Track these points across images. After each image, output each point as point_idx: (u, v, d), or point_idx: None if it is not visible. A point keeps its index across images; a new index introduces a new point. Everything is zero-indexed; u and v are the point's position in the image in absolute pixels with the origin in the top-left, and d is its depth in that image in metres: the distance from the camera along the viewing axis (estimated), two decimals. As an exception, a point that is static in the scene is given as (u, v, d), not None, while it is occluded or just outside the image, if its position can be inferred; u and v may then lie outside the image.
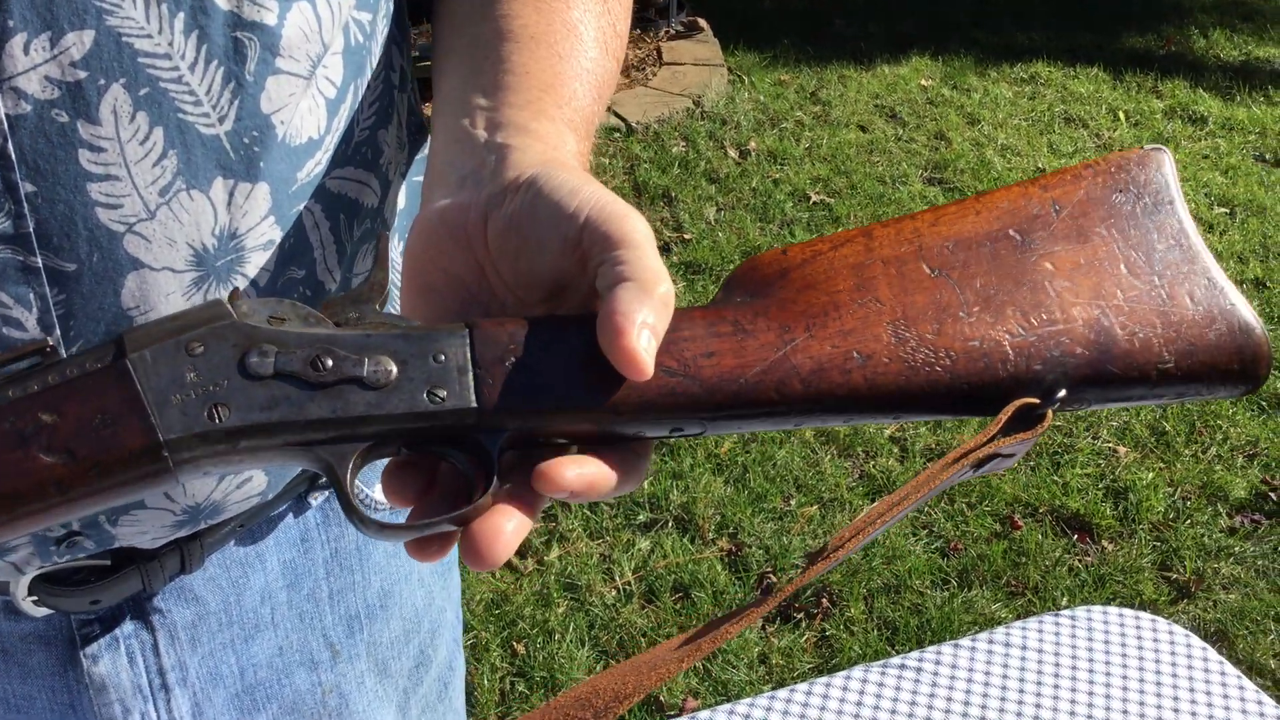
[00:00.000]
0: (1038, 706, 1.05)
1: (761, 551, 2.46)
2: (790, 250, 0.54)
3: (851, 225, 3.63)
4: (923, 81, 4.61)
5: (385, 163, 0.70)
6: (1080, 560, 2.48)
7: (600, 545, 2.49)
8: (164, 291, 0.57)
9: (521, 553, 2.46)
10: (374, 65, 0.66)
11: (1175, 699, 1.06)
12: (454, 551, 0.97)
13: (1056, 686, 1.07)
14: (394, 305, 0.71)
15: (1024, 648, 1.11)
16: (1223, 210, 3.78)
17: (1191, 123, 4.37)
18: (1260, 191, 3.88)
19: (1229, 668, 1.09)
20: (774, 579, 2.41)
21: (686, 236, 3.57)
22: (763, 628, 2.31)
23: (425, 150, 0.76)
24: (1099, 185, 0.55)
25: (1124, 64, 4.80)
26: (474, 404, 0.45)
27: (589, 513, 2.55)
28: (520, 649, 2.23)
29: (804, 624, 2.32)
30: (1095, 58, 4.84)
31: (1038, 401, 0.51)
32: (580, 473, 0.46)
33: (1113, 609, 1.16)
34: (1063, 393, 0.51)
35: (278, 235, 0.61)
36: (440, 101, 0.61)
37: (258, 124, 0.57)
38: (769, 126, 4.26)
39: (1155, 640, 1.12)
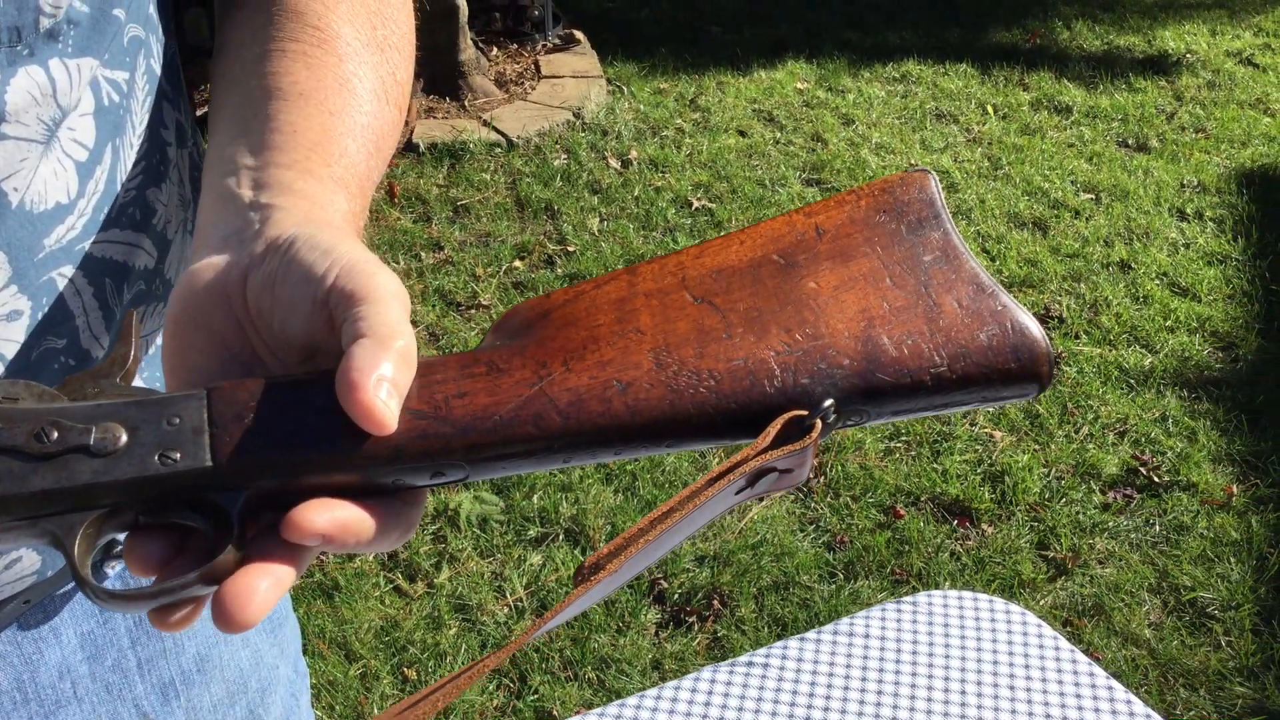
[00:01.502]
0: (879, 694, 1.08)
1: (652, 558, 2.48)
2: (553, 294, 0.55)
3: (733, 229, 3.67)
4: (798, 85, 4.69)
5: (161, 222, 0.68)
6: (961, 545, 2.54)
7: (491, 563, 2.48)
8: None
9: (411, 576, 2.44)
10: (138, 123, 0.64)
11: (1011, 675, 1.09)
12: (286, 605, 0.95)
13: (898, 673, 1.10)
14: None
15: (866, 636, 1.13)
16: (1088, 196, 3.91)
17: (1057, 112, 4.51)
18: (1124, 176, 4.02)
19: (1063, 643, 1.13)
20: (665, 585, 2.42)
21: (570, 249, 3.58)
22: (655, 633, 2.32)
23: None
24: (862, 208, 0.56)
25: (991, 59, 4.93)
26: (209, 463, 0.45)
27: (479, 531, 2.55)
28: (412, 675, 2.22)
29: (696, 627, 2.33)
30: (964, 54, 4.97)
31: (806, 413, 0.51)
32: (332, 516, 0.45)
33: (953, 592, 1.19)
34: (829, 402, 0.51)
35: (24, 305, 0.59)
36: (209, 160, 0.60)
37: None
38: (649, 135, 4.29)
39: (993, 621, 1.15)
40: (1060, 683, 1.08)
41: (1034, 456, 2.77)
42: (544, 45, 4.83)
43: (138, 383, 0.50)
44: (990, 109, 4.50)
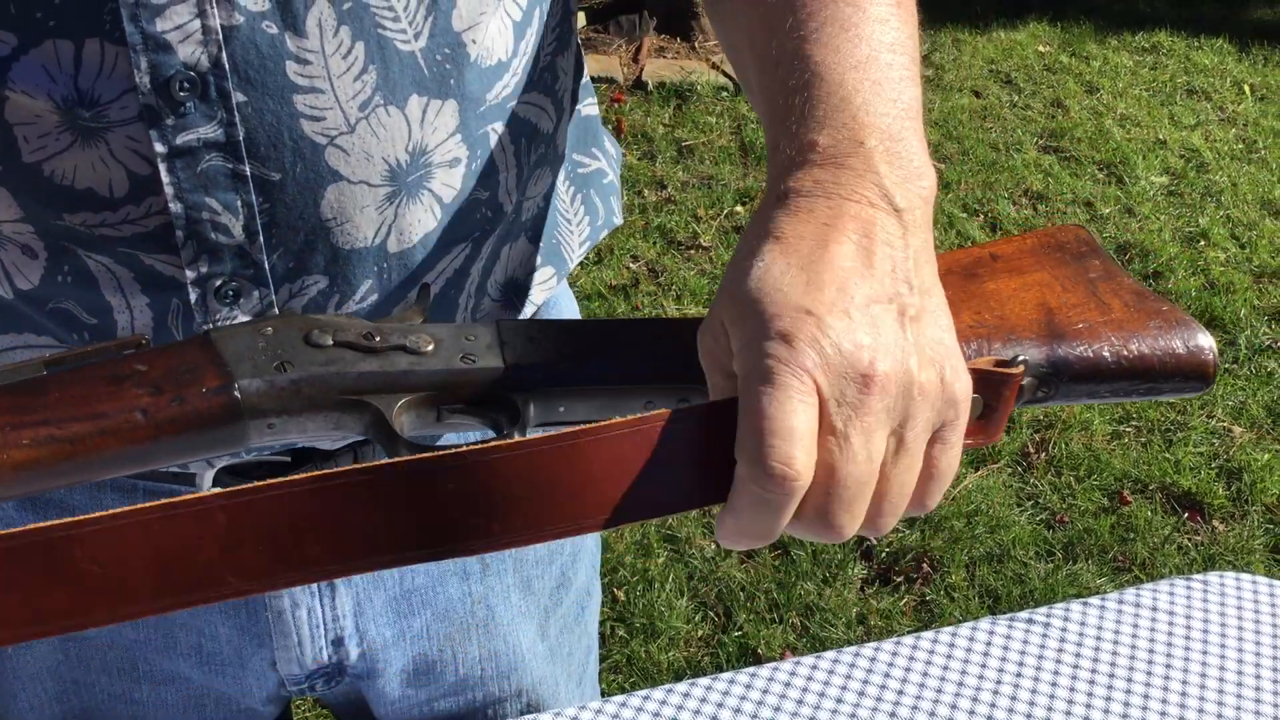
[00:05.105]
0: (1168, 668, 1.04)
1: (862, 514, 2.46)
2: None
3: (963, 191, 3.57)
4: (1040, 48, 4.50)
5: (561, 90, 0.71)
6: (1190, 539, 2.43)
7: (700, 500, 2.50)
8: (359, 204, 0.59)
9: (623, 503, 2.49)
10: None
11: (1311, 669, 1.04)
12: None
13: (1188, 648, 1.06)
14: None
15: (1154, 609, 1.10)
16: (1353, 189, 3.64)
17: (1322, 98, 4.20)
18: (1394, 171, 3.72)
19: (1368, 642, 1.07)
20: (873, 542, 2.40)
21: (793, 198, 3.54)
22: (861, 588, 2.31)
23: (585, 79, 0.78)
24: (1028, 244, 0.65)
25: (1250, 36, 4.63)
26: (501, 365, 0.53)
27: (690, 467, 2.57)
28: (621, 595, 2.26)
29: (903, 587, 2.31)
30: (1220, 29, 4.67)
31: (1007, 359, 0.56)
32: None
33: (1245, 575, 1.14)
34: (1023, 357, 0.57)
35: (464, 154, 0.63)
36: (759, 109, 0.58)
37: (449, 42, 0.59)
38: (879, 90, 4.19)
39: (1291, 610, 1.10)
40: (1366, 683, 1.02)
41: (1275, 456, 2.62)
42: (777, -9, 4.77)
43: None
44: (1247, 89, 4.23)
